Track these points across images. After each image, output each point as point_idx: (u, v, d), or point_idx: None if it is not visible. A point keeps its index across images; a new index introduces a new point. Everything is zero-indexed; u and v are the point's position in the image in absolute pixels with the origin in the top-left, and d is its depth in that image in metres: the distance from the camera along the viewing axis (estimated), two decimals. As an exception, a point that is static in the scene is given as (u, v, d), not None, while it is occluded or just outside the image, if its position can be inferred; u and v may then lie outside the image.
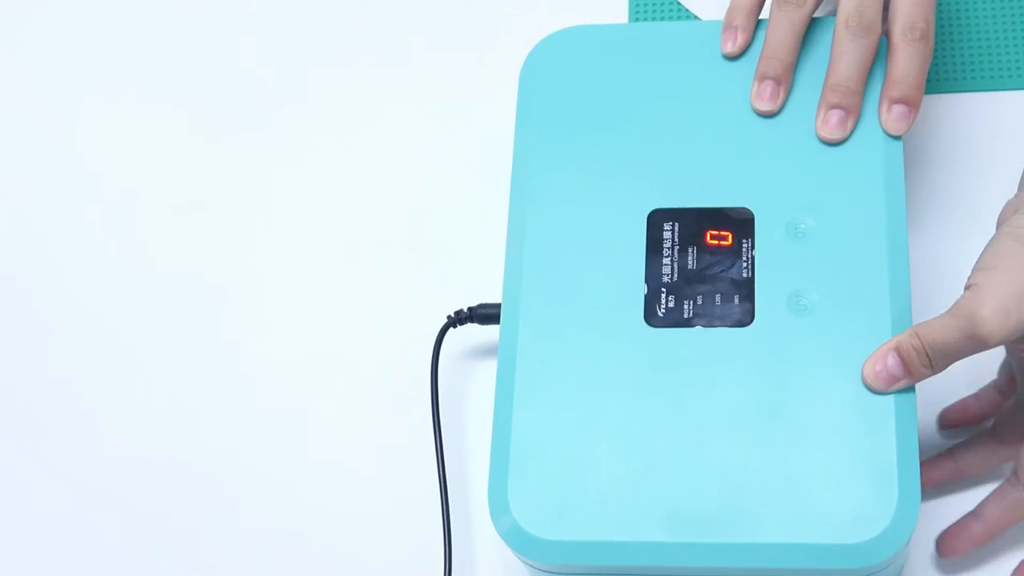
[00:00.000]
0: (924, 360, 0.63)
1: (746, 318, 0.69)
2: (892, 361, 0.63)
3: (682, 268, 0.71)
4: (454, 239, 0.83)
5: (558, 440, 0.67)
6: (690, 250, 0.71)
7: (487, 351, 0.80)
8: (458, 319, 0.76)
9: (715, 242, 0.71)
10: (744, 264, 0.70)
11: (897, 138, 0.71)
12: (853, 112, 0.69)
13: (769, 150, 0.72)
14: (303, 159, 0.87)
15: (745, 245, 0.71)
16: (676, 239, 0.71)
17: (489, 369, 0.78)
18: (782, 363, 0.67)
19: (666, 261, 0.71)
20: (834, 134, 0.68)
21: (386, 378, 0.80)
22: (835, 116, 0.69)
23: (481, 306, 0.76)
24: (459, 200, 0.84)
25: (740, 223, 0.71)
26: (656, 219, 0.72)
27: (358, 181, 0.86)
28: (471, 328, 0.79)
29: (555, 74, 0.75)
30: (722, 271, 0.70)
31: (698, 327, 0.69)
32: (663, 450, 0.66)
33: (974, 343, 0.62)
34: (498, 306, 0.74)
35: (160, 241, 0.84)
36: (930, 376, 0.63)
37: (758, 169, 0.72)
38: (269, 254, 0.84)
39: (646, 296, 0.70)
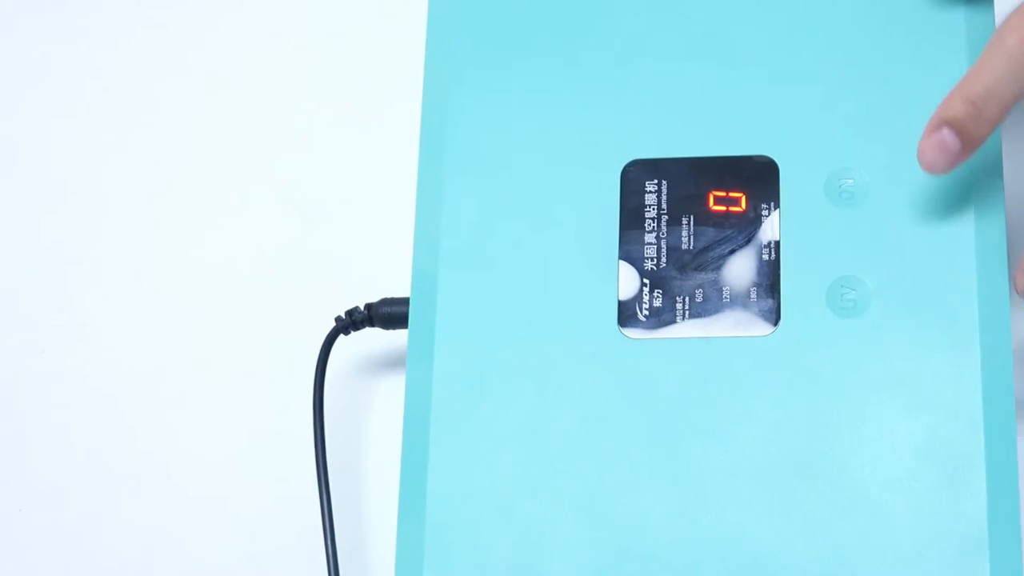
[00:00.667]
0: (975, 112, 0.59)
1: (768, 320, 0.61)
2: (949, 134, 0.59)
3: (673, 248, 0.63)
4: (347, 209, 0.76)
5: (494, 504, 0.60)
6: (685, 221, 0.63)
7: (392, 365, 0.71)
8: (352, 321, 0.67)
9: (722, 208, 0.63)
10: (765, 241, 0.62)
11: None
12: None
13: (799, 72, 0.64)
14: (138, 98, 0.80)
15: (766, 212, 0.63)
16: (664, 205, 0.63)
17: (396, 392, 0.70)
18: (821, 386, 0.60)
19: (649, 238, 0.63)
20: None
21: (251, 403, 0.72)
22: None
23: (384, 302, 0.67)
24: (353, 155, 0.77)
25: (758, 179, 0.63)
26: (634, 175, 0.64)
27: (216, 129, 0.78)
28: (370, 334, 0.69)
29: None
30: (732, 251, 0.63)
31: (697, 335, 0.61)
32: (648, 518, 0.59)
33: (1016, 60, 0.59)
34: (407, 302, 0.65)
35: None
36: (988, 132, 0.59)
37: (783, 100, 0.64)
38: (94, 228, 0.77)
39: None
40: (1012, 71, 0.58)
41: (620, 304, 0.62)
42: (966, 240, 0.60)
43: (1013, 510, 0.58)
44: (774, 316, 0.61)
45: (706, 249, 0.63)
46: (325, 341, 0.68)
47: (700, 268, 0.62)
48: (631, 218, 0.63)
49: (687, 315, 0.62)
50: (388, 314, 0.67)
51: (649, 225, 0.63)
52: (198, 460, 0.72)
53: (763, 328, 0.61)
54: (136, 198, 0.77)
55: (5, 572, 0.71)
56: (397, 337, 0.70)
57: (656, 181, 0.64)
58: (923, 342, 0.60)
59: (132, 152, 0.79)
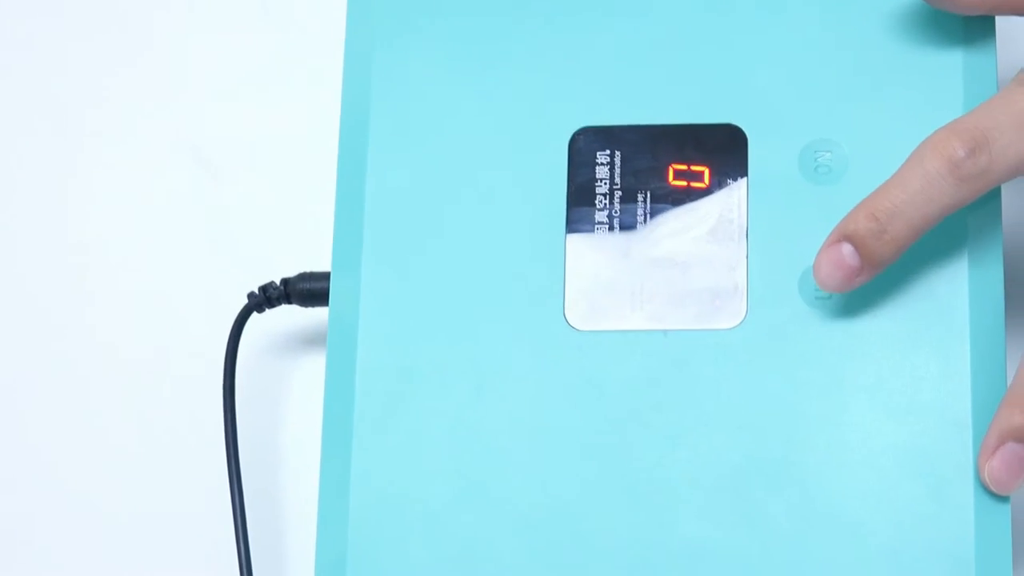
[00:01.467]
0: (877, 229, 0.56)
1: (733, 311, 0.58)
2: (848, 250, 0.56)
3: (627, 228, 0.60)
4: (263, 171, 0.72)
5: (423, 511, 0.57)
6: (641, 197, 0.59)
7: (311, 344, 0.68)
8: (266, 298, 0.64)
9: (683, 182, 0.60)
10: (730, 221, 0.59)
11: (990, 32, 0.60)
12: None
13: (771, 31, 0.61)
14: (35, 45, 0.75)
15: (732, 188, 0.59)
16: (617, 179, 0.60)
17: (315, 375, 0.67)
18: (791, 386, 0.57)
19: (601, 216, 0.60)
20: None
21: (154, 387, 0.69)
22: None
23: (302, 277, 0.64)
24: (273, 112, 0.73)
25: (724, 151, 0.60)
26: (584, 145, 0.61)
27: (119, 77, 0.74)
28: (287, 311, 0.66)
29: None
30: (694, 232, 0.60)
31: (653, 327, 0.59)
32: (596, 532, 0.56)
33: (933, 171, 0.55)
34: (328, 278, 0.63)
35: None
36: (893, 253, 0.56)
37: (752, 63, 0.61)
38: None
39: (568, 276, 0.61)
40: (926, 191, 0.55)
41: (567, 292, 0.59)
42: (958, 224, 0.57)
43: (1003, 527, 0.55)
44: (740, 306, 0.58)
45: (664, 229, 0.59)
46: (236, 319, 0.65)
47: (657, 251, 0.59)
48: (580, 193, 0.60)
49: (642, 304, 0.58)
50: (307, 290, 0.64)
51: (600, 202, 0.59)
52: (96, 450, 0.69)
53: (727, 320, 0.58)
54: (27, 151, 0.74)
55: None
56: (317, 315, 0.67)
57: (608, 152, 0.60)
58: (907, 338, 0.57)
59: (27, 102, 0.75)
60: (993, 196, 0.58)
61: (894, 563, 0.55)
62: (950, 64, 0.59)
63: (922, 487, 0.55)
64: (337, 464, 0.58)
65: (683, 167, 0.59)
